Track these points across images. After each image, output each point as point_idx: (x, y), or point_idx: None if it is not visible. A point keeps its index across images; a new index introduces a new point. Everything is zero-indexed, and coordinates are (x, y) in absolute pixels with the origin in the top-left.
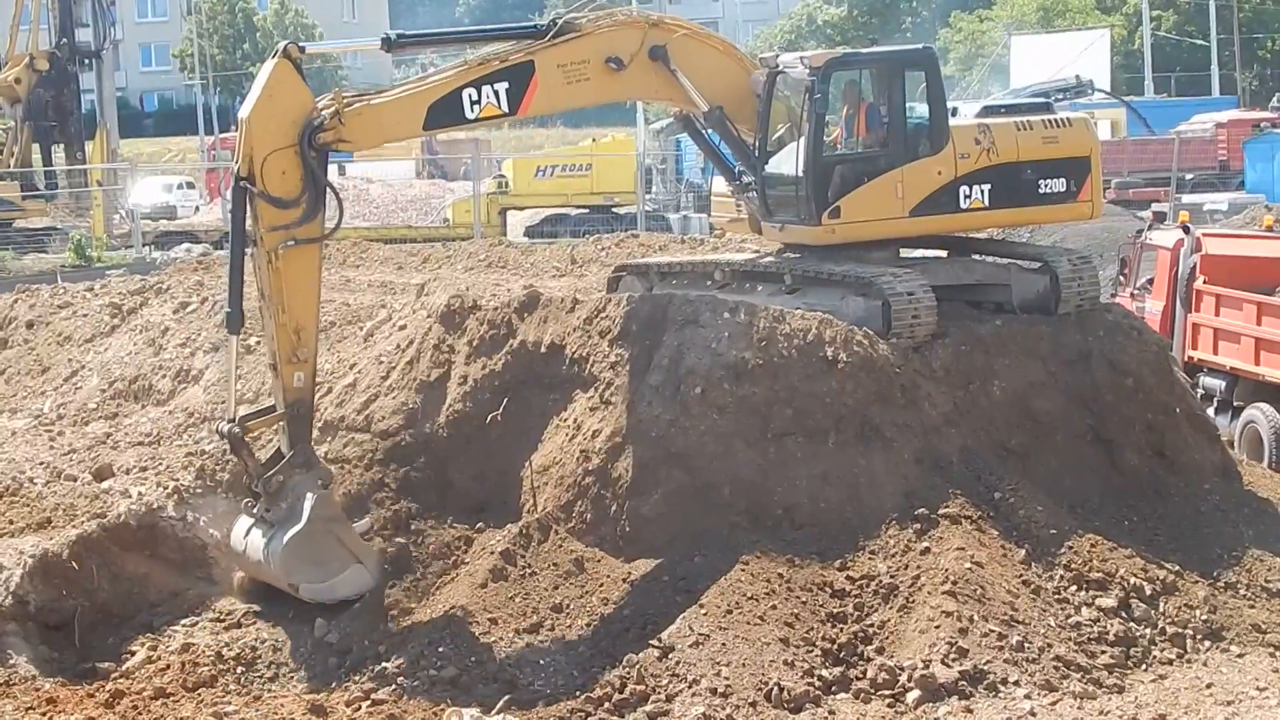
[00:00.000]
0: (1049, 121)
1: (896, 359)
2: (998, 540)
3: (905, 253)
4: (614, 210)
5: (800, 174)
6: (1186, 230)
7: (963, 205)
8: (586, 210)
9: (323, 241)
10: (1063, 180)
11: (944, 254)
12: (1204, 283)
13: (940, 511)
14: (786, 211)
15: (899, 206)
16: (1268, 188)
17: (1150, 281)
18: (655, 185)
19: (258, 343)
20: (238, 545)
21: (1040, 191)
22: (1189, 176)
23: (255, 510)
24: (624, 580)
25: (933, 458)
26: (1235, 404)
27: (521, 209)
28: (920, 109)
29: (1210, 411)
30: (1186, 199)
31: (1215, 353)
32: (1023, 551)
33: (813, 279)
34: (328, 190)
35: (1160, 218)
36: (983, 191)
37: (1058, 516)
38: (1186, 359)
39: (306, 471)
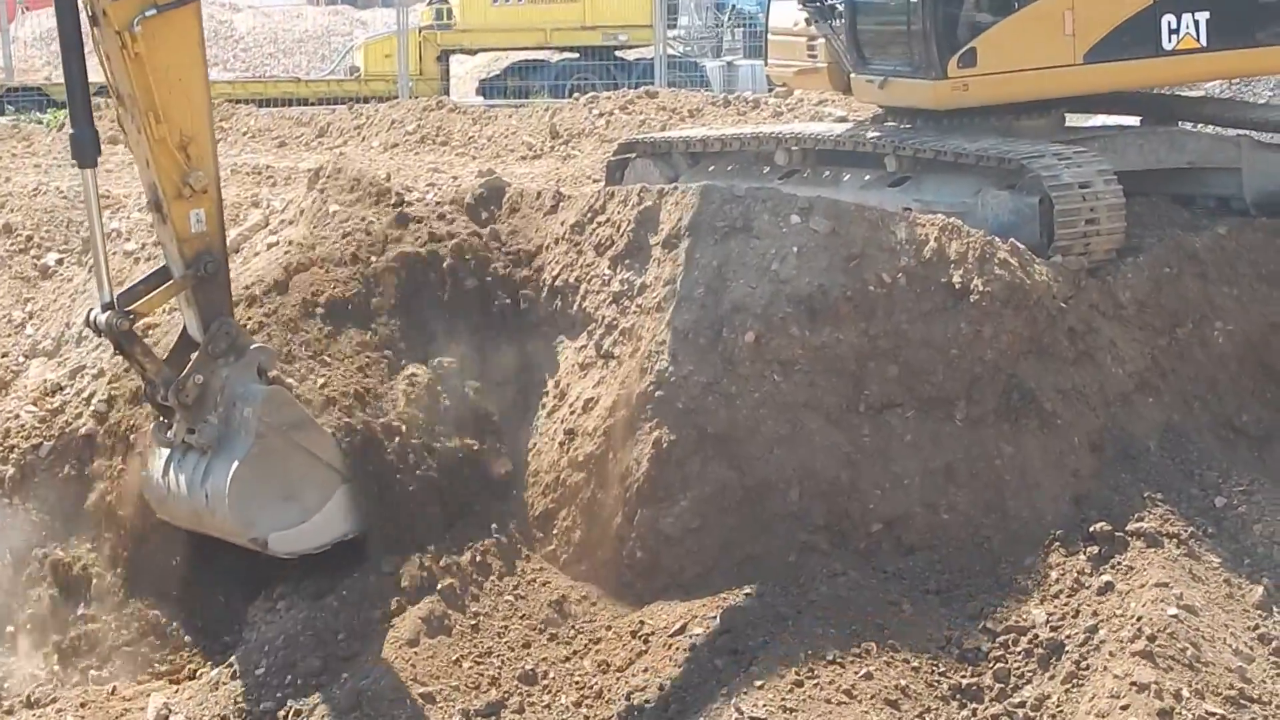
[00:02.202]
0: None
1: (1062, 288)
2: (1220, 572)
3: (1075, 120)
4: (618, 54)
5: None
6: None
7: (1166, 45)
8: (575, 54)
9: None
10: None
11: (1135, 121)
12: None
13: (1130, 527)
14: (891, 57)
15: (1068, 48)
16: None
17: None
18: (683, 15)
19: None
20: (158, 489)
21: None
22: None
23: (172, 434)
24: (633, 634)
25: (1119, 443)
26: None
27: (473, 52)
28: None
29: None
30: None
31: None
32: (1259, 590)
33: (931, 162)
34: None
35: None
36: (1196, 23)
37: None
38: None
39: (236, 359)
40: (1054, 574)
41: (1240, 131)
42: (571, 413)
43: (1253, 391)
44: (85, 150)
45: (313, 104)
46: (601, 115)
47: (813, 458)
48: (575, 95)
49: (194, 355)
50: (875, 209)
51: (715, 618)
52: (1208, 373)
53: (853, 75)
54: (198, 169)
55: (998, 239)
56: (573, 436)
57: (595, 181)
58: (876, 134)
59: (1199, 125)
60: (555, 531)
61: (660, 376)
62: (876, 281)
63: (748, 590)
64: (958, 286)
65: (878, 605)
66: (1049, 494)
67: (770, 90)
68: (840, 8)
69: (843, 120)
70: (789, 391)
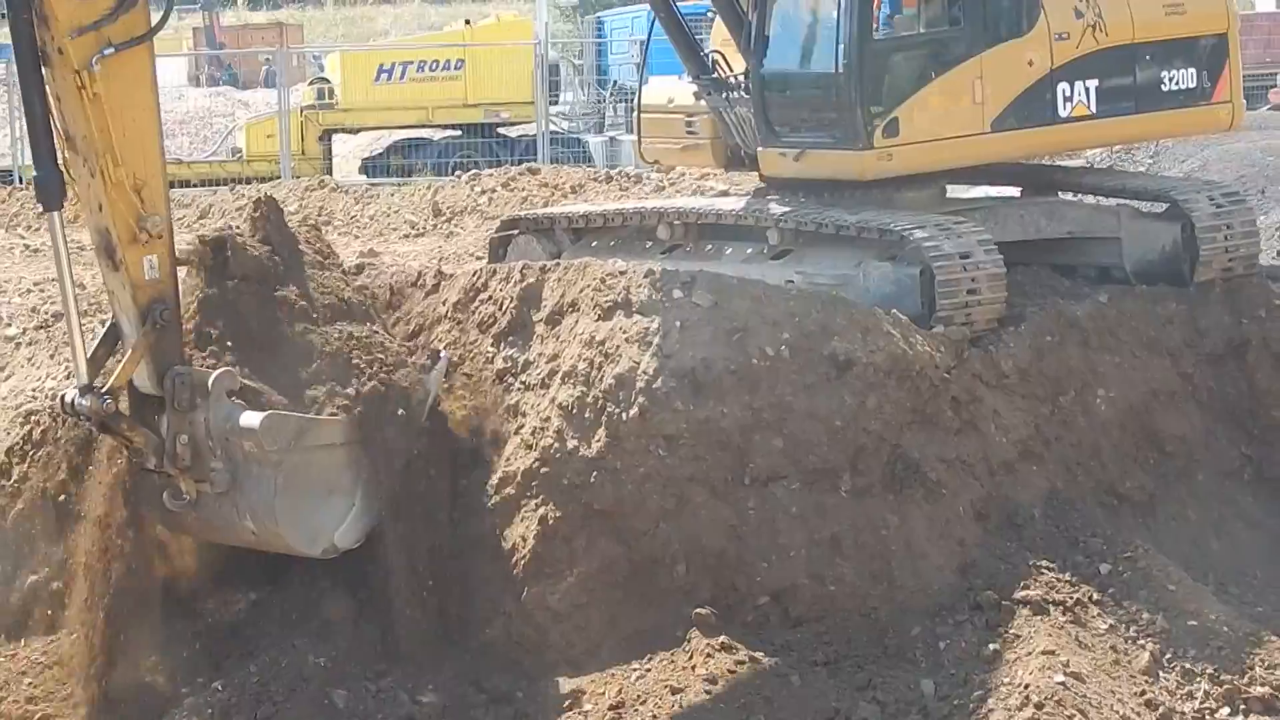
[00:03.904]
0: None
1: (945, 359)
2: (1106, 638)
3: (956, 191)
4: (501, 131)
5: (843, 68)
6: None
7: (1062, 113)
8: (458, 131)
9: (152, 39)
10: (1192, 71)
11: (1016, 192)
12: None
13: (1016, 595)
14: (809, 129)
15: (978, 116)
16: None
17: None
18: (566, 90)
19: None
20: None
21: (1163, 89)
22: None
23: (185, 494)
24: (513, 711)
25: (1004, 512)
26: None
27: (355, 130)
28: None
29: None
30: None
31: None
32: (1145, 656)
33: (813, 235)
34: None
35: None
36: (1088, 90)
37: (1200, 599)
38: None
39: (203, 400)
40: (941, 644)
41: (1120, 201)
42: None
43: (1135, 458)
44: (50, 192)
45: (195, 186)
46: (484, 192)
47: (699, 531)
48: (458, 173)
49: (169, 415)
50: (758, 282)
51: (604, 693)
52: (1090, 440)
53: (760, 149)
54: (154, 213)
55: (880, 310)
56: (453, 516)
57: (478, 259)
58: (758, 208)
59: (1079, 195)
60: (426, 609)
61: (545, 453)
62: (760, 354)
63: (636, 665)
64: (841, 358)
65: (766, 679)
66: (935, 564)
67: (655, 167)
68: (738, 82)
69: (724, 195)
70: (674, 466)
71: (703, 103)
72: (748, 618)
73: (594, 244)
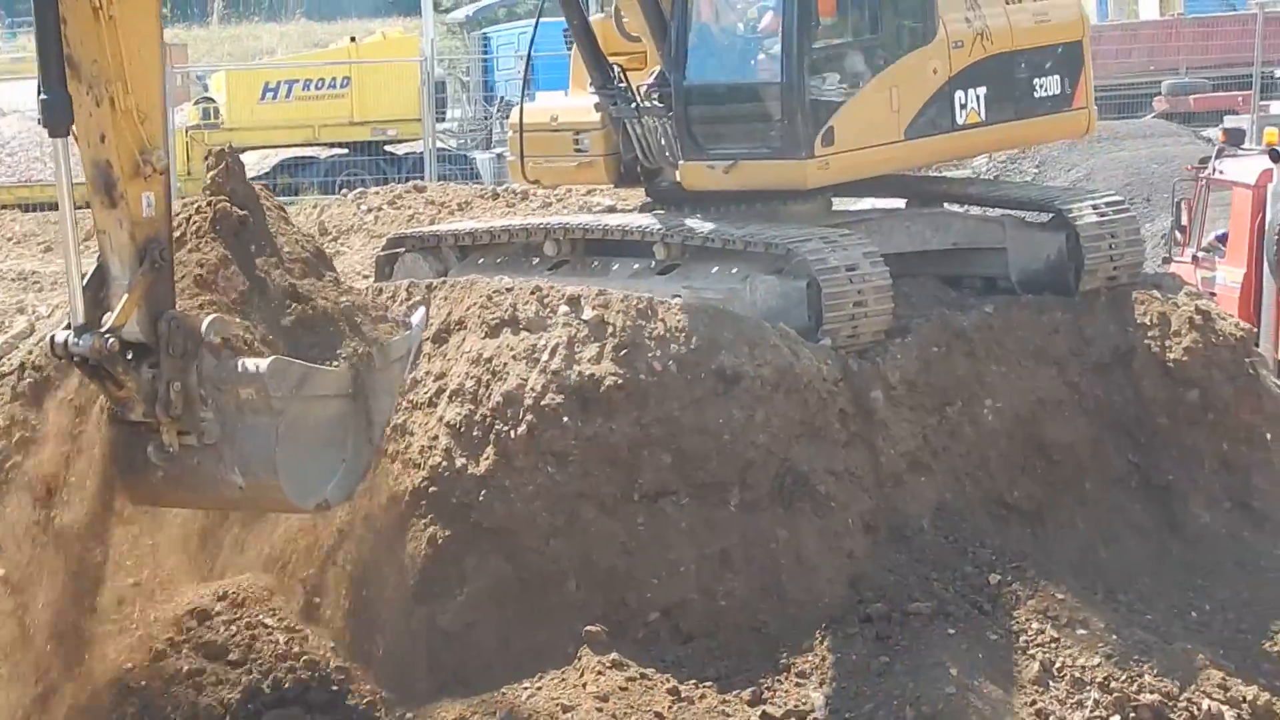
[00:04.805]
0: None
1: (832, 371)
2: (996, 648)
3: (842, 204)
4: (388, 149)
5: (786, 77)
6: (1276, 157)
7: (959, 120)
8: (344, 150)
9: None
10: (1057, 78)
11: (901, 204)
12: None
13: (906, 608)
14: (743, 141)
15: (895, 124)
16: None
17: (1223, 238)
18: (453, 108)
19: None
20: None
21: (1036, 95)
22: None
23: (169, 445)
24: None
25: (893, 523)
26: None
27: (241, 150)
28: None
29: None
30: (1277, 107)
31: None
32: (1035, 665)
33: (699, 250)
34: None
35: (1235, 138)
36: (978, 98)
37: (1088, 608)
38: None
39: (196, 347)
40: (832, 656)
41: (1005, 211)
42: (346, 511)
43: (1023, 468)
44: (57, 115)
45: (81, 207)
46: (370, 211)
47: (589, 548)
48: (344, 191)
49: (161, 361)
50: (644, 297)
51: (495, 713)
52: (978, 450)
53: (683, 162)
54: (155, 145)
55: (767, 324)
56: (342, 535)
57: (365, 278)
58: (644, 223)
59: (965, 206)
60: (321, 624)
61: (434, 472)
62: (647, 370)
63: (528, 684)
64: (728, 373)
65: (658, 694)
66: (825, 576)
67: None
68: (644, 95)
69: (611, 210)
70: (563, 483)
71: (592, 118)
72: (639, 634)
73: (481, 261)
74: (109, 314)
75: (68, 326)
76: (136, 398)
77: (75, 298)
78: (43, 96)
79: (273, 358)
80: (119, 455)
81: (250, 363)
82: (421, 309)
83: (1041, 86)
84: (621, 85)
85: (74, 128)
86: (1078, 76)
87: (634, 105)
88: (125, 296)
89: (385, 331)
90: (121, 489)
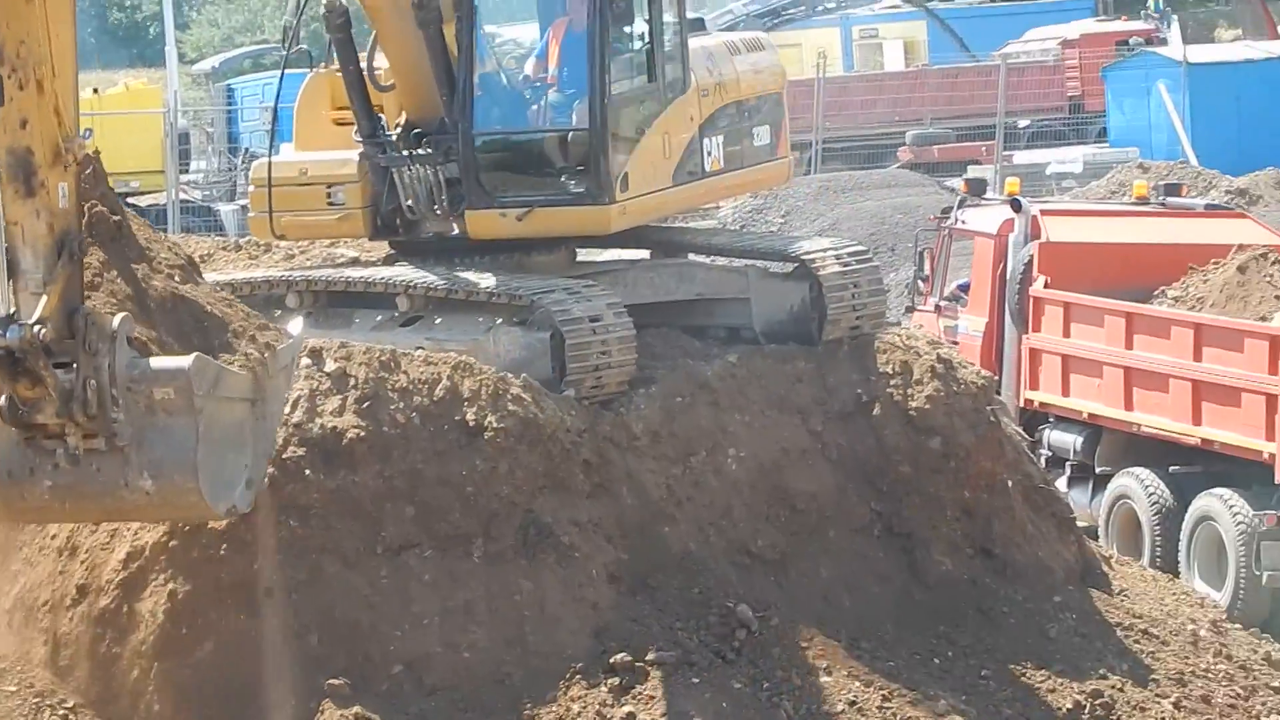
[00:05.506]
0: (747, 42)
1: (576, 422)
2: (741, 697)
3: (586, 255)
4: (131, 200)
5: (590, 123)
6: (1017, 207)
7: (706, 166)
8: None
9: None
10: (767, 128)
11: (646, 255)
12: (1045, 285)
13: (650, 657)
14: (540, 188)
15: (667, 170)
16: (1140, 137)
17: (965, 287)
18: (197, 159)
19: None
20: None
21: (755, 144)
22: (1024, 124)
23: (74, 448)
24: None
25: (637, 573)
26: (1098, 470)
27: None
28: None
29: (1061, 484)
30: (1020, 157)
31: (1066, 393)
32: (780, 714)
33: (442, 301)
34: None
35: (978, 189)
36: (719, 146)
37: (833, 656)
38: (1023, 404)
39: (107, 345)
40: (576, 707)
41: (748, 262)
42: (82, 567)
43: (766, 516)
44: None
45: None
46: None
47: (331, 602)
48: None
49: (64, 361)
50: (387, 349)
51: None
52: (722, 500)
53: (470, 211)
54: (71, 133)
55: (510, 375)
56: (84, 592)
57: None
58: (388, 275)
59: (711, 257)
60: (69, 679)
61: (174, 526)
62: (390, 422)
63: None
64: (472, 424)
65: None
66: (569, 627)
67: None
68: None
69: (355, 262)
70: (306, 536)
71: (346, 170)
72: (382, 687)
73: None
74: (20, 309)
75: None
76: (51, 396)
77: (2, 287)
78: None
79: (194, 355)
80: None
81: (169, 361)
82: (299, 318)
83: (757, 135)
84: (389, 134)
85: None
86: (780, 126)
87: (406, 154)
88: (49, 289)
89: (270, 339)
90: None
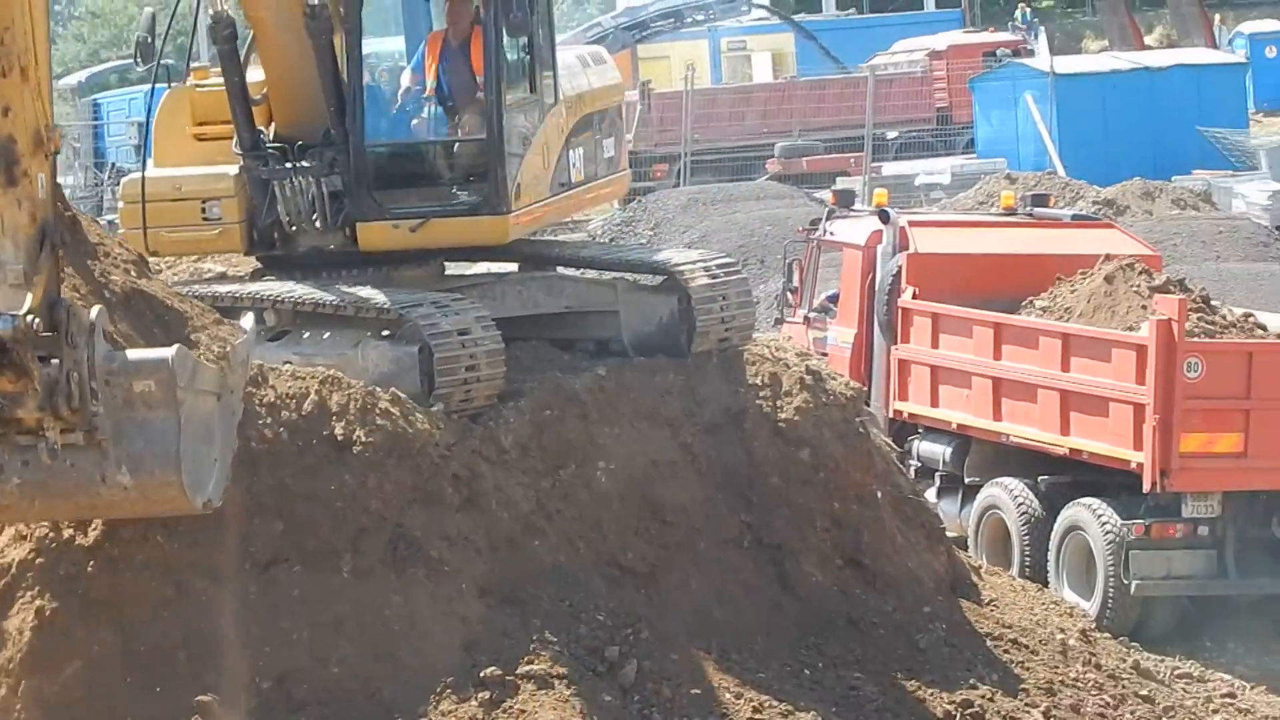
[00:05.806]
0: (592, 56)
1: (445, 436)
2: (611, 710)
3: (455, 268)
4: None
5: (487, 132)
6: (886, 218)
7: (572, 177)
8: None
9: None
10: (612, 140)
11: (513, 267)
12: (914, 296)
13: (520, 670)
14: (435, 199)
15: (547, 181)
16: (1008, 148)
17: (834, 298)
18: (64, 174)
19: None
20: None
21: (607, 156)
22: (892, 135)
23: (54, 443)
24: None
25: (507, 587)
26: (967, 481)
27: None
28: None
29: (930, 494)
30: (889, 169)
31: (935, 404)
32: None
33: (310, 315)
34: None
35: (846, 200)
36: (580, 158)
37: (703, 668)
38: (892, 415)
39: (85, 337)
40: None
41: (617, 275)
42: None
43: (637, 529)
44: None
45: None
46: None
47: (199, 618)
48: None
49: (45, 354)
50: (255, 364)
51: None
52: (592, 513)
53: (361, 223)
54: (49, 120)
55: (379, 389)
56: None
57: None
58: (254, 289)
59: (580, 269)
60: None
61: (41, 544)
62: (258, 437)
63: None
64: (340, 439)
65: None
66: (439, 641)
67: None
68: (304, 157)
69: (222, 276)
70: (174, 553)
71: (222, 185)
72: (251, 703)
73: None
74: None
75: None
76: (35, 390)
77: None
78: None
79: (175, 346)
80: None
81: (149, 352)
82: (250, 314)
83: (606, 147)
84: (271, 147)
85: None
86: (622, 139)
87: (289, 166)
88: (34, 281)
89: (226, 334)
90: None
